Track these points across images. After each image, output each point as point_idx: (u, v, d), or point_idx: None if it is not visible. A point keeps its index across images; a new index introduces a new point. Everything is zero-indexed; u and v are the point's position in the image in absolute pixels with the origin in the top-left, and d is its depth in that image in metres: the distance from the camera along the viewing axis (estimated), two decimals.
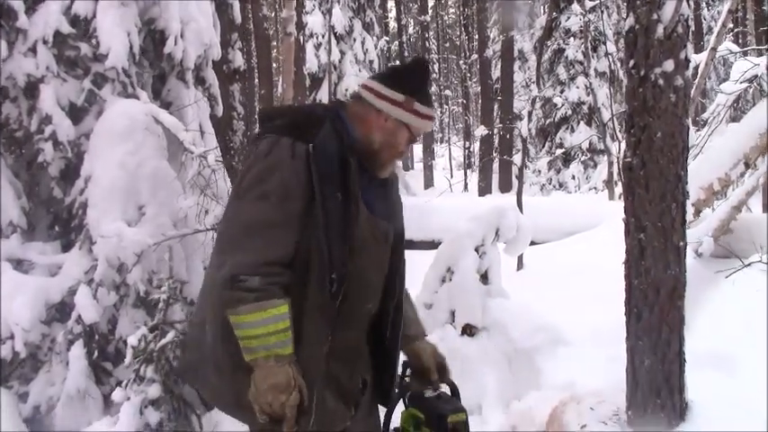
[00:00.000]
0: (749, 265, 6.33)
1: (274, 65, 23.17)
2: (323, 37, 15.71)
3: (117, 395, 2.79)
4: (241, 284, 1.85)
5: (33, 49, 3.63)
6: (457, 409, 2.95)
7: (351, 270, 1.99)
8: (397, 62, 26.58)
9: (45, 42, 3.64)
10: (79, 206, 3.59)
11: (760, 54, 8.17)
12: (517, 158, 7.90)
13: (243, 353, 1.88)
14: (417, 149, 30.15)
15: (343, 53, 16.16)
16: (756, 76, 7.74)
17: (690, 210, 7.14)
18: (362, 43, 16.62)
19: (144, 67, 4.04)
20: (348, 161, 2.00)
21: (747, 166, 7.58)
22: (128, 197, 3.44)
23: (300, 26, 15.24)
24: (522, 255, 6.63)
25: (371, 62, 16.97)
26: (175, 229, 3.46)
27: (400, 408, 2.97)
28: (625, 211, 3.09)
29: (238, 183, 1.99)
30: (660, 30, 2.96)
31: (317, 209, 1.93)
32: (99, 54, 3.71)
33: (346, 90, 15.99)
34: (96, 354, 3.32)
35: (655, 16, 2.95)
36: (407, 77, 2.16)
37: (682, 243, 3.01)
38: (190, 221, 3.50)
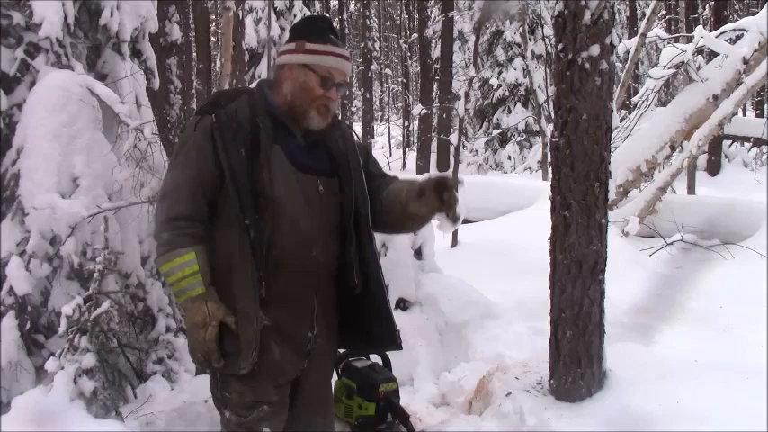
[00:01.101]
0: (671, 243, 6.64)
1: (213, 39, 22.80)
2: (262, 12, 15.54)
3: (50, 365, 2.79)
4: (157, 239, 2.18)
5: None
6: (388, 379, 3.08)
7: (276, 220, 2.17)
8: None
9: None
10: (11, 177, 3.52)
11: (689, 41, 8.43)
12: (454, 138, 8.01)
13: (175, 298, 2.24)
14: (357, 128, 30.10)
15: (282, 29, 15.97)
16: (684, 62, 8.03)
17: (616, 190, 7.41)
18: None
19: (79, 38, 3.96)
20: (257, 123, 2.20)
21: (673, 149, 7.90)
22: (61, 169, 3.39)
23: (240, 1, 15.03)
24: (456, 232, 6.77)
25: None
26: (110, 201, 3.45)
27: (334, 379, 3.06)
28: (552, 190, 3.22)
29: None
30: (587, 16, 3.09)
31: (224, 168, 2.15)
32: (32, 24, 3.62)
33: None
34: (28, 326, 3.29)
35: (582, 2, 3.07)
36: (297, 27, 2.36)
37: (603, 220, 3.16)
38: (125, 194, 3.49)
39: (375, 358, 3.30)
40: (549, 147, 11.07)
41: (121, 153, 3.64)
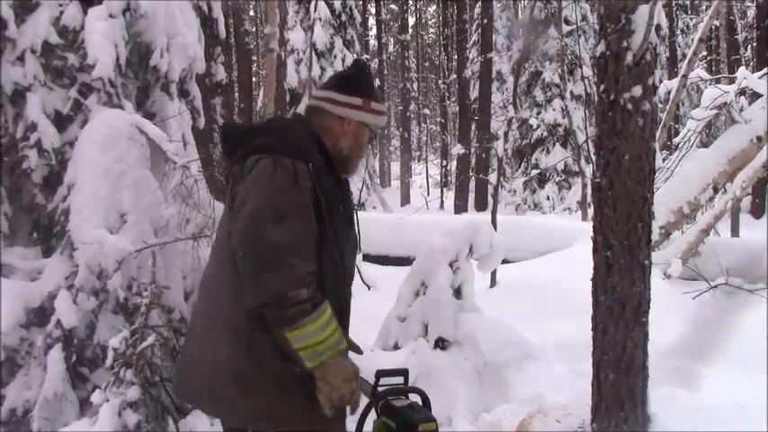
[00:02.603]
0: (715, 287, 6.51)
1: (254, 79, 23.25)
2: (304, 53, 15.84)
3: (96, 397, 2.83)
4: (293, 300, 1.92)
5: (21, 58, 3.68)
6: (427, 419, 3.04)
7: (334, 267, 2.12)
8: (377, 80, 26.81)
9: (33, 52, 3.70)
10: (61, 213, 3.63)
11: (731, 82, 8.38)
12: (493, 178, 8.02)
13: (307, 361, 1.96)
14: (395, 167, 30.26)
15: (323, 69, 16.27)
16: (726, 104, 7.96)
17: (658, 231, 7.32)
18: (343, 60, 16.74)
19: (129, 78, 4.10)
20: (339, 175, 2.17)
21: (716, 190, 7.79)
22: (110, 205, 3.49)
23: (282, 42, 15.34)
24: (495, 272, 6.74)
25: None
26: (156, 237, 3.52)
27: (372, 417, 3.06)
28: (594, 230, 3.21)
29: (242, 202, 2.04)
30: (629, 57, 3.10)
31: (325, 224, 2.04)
32: (86, 65, 3.76)
33: None
34: (74, 358, 3.36)
35: (624, 44, 3.09)
36: (357, 81, 2.32)
37: (647, 261, 3.13)
38: (171, 230, 3.57)
39: (415, 398, 3.28)
40: (590, 187, 10.99)
41: (168, 190, 3.73)
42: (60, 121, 3.83)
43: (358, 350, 2.46)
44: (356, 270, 2.42)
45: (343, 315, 2.19)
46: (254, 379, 2.05)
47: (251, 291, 1.97)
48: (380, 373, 2.54)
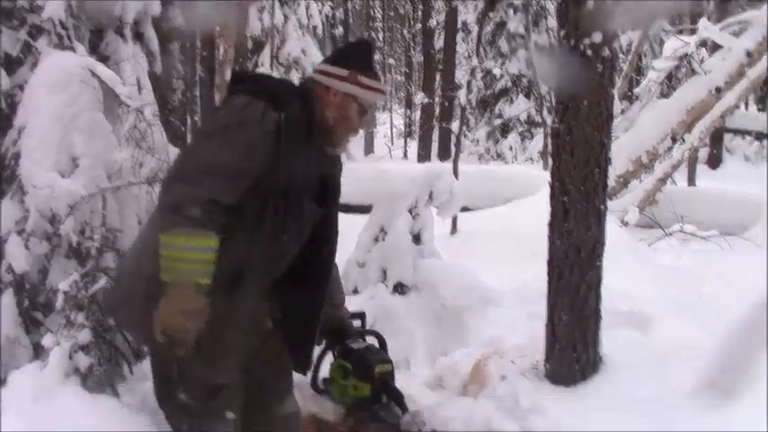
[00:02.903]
0: (670, 234, 6.67)
1: (216, 27, 22.76)
2: (266, 0, 15.51)
3: (47, 341, 2.81)
4: (182, 211, 1.99)
5: None
6: (383, 360, 3.10)
7: (292, 231, 2.24)
8: (341, 28, 26.49)
9: None
10: (12, 157, 3.54)
11: (693, 33, 8.42)
12: (455, 126, 8.01)
13: (162, 272, 2.01)
14: None
15: (286, 17, 15.95)
16: (687, 55, 8.04)
17: (617, 180, 7.42)
18: (307, 8, 16.41)
19: (81, 20, 3.98)
20: (314, 137, 2.22)
21: (674, 140, 7.91)
22: (61, 148, 3.40)
23: None
24: (456, 219, 6.78)
25: (315, 28, 16.81)
26: (109, 181, 3.46)
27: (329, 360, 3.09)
28: (551, 175, 3.23)
29: (202, 127, 2.16)
30: (590, 2, 3.08)
31: (279, 174, 2.10)
32: (35, 5, 3.66)
33: (289, 55, 15.84)
34: (27, 303, 3.32)
35: None
36: (350, 54, 2.42)
37: (602, 206, 3.17)
38: (124, 174, 3.50)
39: (372, 341, 3.32)
40: (549, 134, 11.08)
41: (121, 134, 3.66)
42: (10, 64, 3.72)
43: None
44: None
45: (280, 290, 2.31)
46: (138, 284, 2.15)
47: (160, 197, 2.08)
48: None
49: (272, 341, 2.54)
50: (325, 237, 2.49)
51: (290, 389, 2.73)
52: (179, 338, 2.03)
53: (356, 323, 3.19)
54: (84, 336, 2.79)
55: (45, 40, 3.74)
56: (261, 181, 2.12)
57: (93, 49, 4.10)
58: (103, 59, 4.04)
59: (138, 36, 4.41)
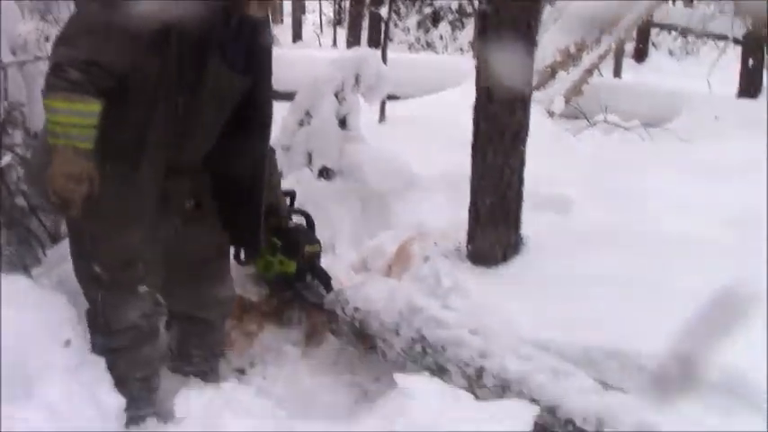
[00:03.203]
0: (594, 124, 6.78)
1: None
2: None
3: None
4: (61, 73, 1.95)
5: None
6: (312, 240, 3.09)
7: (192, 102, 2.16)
8: None
9: None
10: None
11: None
12: (385, 12, 7.81)
13: (49, 136, 2.02)
14: (287, 4, 29.03)
15: None
16: None
17: (545, 71, 7.43)
18: None
19: None
20: (212, 7, 2.13)
21: (602, 32, 7.91)
22: None
23: None
24: (384, 106, 6.71)
25: None
26: (14, 56, 3.26)
27: None
28: (477, 58, 3.19)
29: None
30: None
31: (174, 35, 2.05)
32: None
33: None
34: None
35: None
36: None
37: (527, 90, 3.16)
38: (30, 48, 3.31)
39: (301, 221, 3.32)
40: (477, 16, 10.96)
41: (24, 5, 3.43)
42: None
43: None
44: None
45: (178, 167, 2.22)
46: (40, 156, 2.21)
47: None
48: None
49: (199, 222, 2.51)
50: (258, 110, 2.43)
51: (222, 273, 2.73)
52: (66, 200, 2.02)
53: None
54: None
55: None
56: (154, 43, 2.05)
57: None
58: None
59: None
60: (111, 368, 2.38)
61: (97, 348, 2.43)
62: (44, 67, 3.33)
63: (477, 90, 3.21)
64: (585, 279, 2.89)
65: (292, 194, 3.19)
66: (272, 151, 2.70)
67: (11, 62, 3.17)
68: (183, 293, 2.60)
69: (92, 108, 1.97)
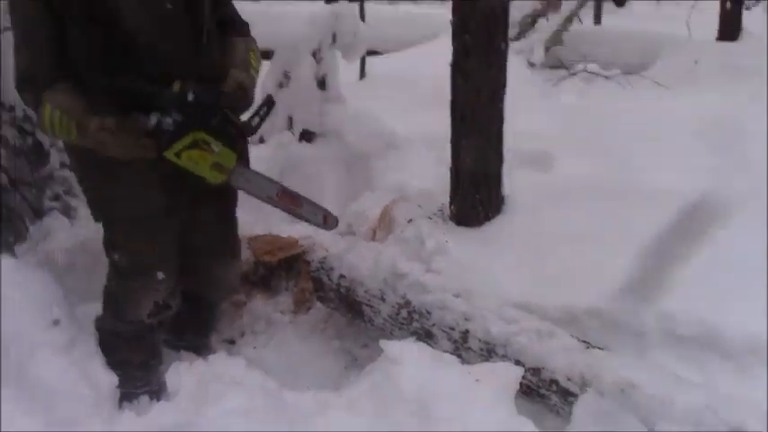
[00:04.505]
0: (575, 74, 6.73)
1: None
2: None
3: None
4: (23, 98, 2.19)
5: None
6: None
7: (123, 46, 2.06)
8: None
9: None
10: None
11: None
12: None
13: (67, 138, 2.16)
14: None
15: None
16: None
17: (522, 19, 7.36)
18: None
19: None
20: None
21: None
22: None
23: None
24: (363, 63, 6.65)
25: None
26: None
27: None
28: (452, 13, 3.14)
29: None
30: None
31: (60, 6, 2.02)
32: None
33: None
34: None
35: None
36: None
37: (503, 44, 3.12)
38: (3, 18, 3.23)
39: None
40: None
41: None
42: None
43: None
44: None
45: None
46: None
47: None
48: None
49: (211, 201, 2.42)
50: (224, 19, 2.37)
51: (234, 255, 2.66)
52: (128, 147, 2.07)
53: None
54: None
55: None
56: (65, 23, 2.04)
57: None
58: None
59: None
60: (113, 351, 2.42)
61: (104, 330, 2.46)
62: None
63: (453, 46, 3.17)
64: (567, 237, 2.91)
65: (270, 100, 2.37)
66: (254, 41, 2.53)
67: None
68: (192, 274, 2.54)
69: (47, 108, 2.05)
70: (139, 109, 2.04)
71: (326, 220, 2.60)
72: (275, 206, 2.45)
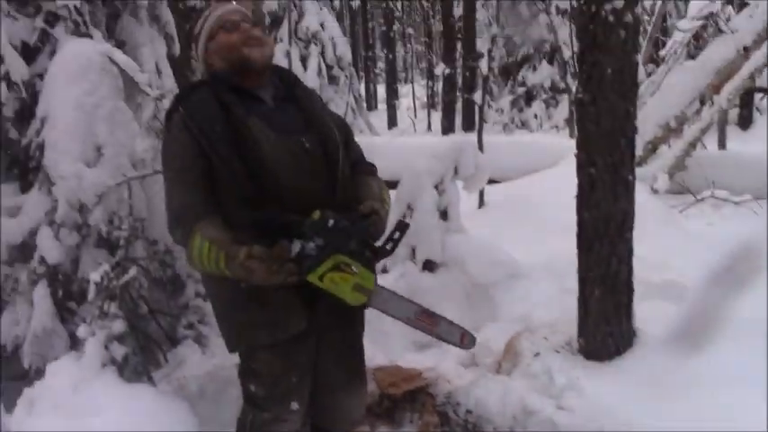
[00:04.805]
0: (702, 200, 6.56)
1: (233, 2, 22.66)
2: None
3: (82, 331, 2.83)
4: (175, 240, 2.30)
5: None
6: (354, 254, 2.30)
7: (272, 189, 2.19)
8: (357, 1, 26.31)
9: None
10: (36, 147, 3.55)
11: None
12: (478, 97, 7.91)
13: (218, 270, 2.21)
14: (381, 89, 29.84)
15: None
16: (712, 14, 7.84)
17: (645, 146, 7.30)
18: None
19: (97, 5, 3.97)
20: (224, 101, 2.25)
21: (702, 103, 7.74)
22: (85, 138, 3.40)
23: None
24: (482, 193, 6.73)
25: (332, 0, 16.71)
26: (134, 170, 3.46)
27: None
28: (577, 146, 3.17)
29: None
30: None
31: (207, 149, 2.19)
32: None
33: (307, 29, 15.76)
34: (60, 293, 3.35)
35: None
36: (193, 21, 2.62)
37: (630, 177, 3.10)
38: (149, 162, 3.50)
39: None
40: (574, 103, 10.94)
41: (143, 121, 3.65)
42: (28, 53, 3.72)
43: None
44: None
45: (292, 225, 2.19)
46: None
47: None
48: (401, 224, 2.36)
49: (339, 334, 2.47)
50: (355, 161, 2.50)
51: (361, 390, 2.64)
52: (267, 274, 2.12)
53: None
54: (118, 326, 2.81)
55: (62, 27, 3.74)
56: (213, 165, 2.20)
57: (110, 34, 4.08)
58: (120, 44, 4.03)
59: (155, 18, 4.39)
60: None
61: None
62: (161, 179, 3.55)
63: (578, 178, 3.18)
64: (708, 377, 2.74)
65: (403, 224, 2.39)
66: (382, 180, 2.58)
67: (133, 176, 3.36)
68: (318, 406, 2.54)
69: (197, 241, 2.16)
70: (282, 237, 2.13)
71: (463, 340, 2.57)
72: (413, 326, 2.45)
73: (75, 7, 3.63)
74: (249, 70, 2.34)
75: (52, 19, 3.71)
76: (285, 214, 2.16)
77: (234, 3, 2.48)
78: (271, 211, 2.18)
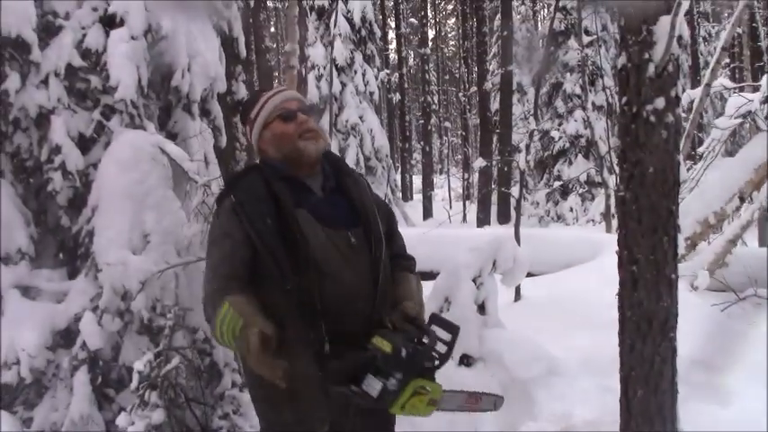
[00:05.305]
0: (744, 298, 6.42)
1: None
2: (324, 69, 15.91)
3: (122, 420, 2.84)
4: (207, 311, 2.21)
5: (45, 81, 3.72)
6: (423, 373, 2.30)
7: (318, 280, 2.18)
8: (397, 94, 26.97)
9: (57, 75, 3.74)
10: (86, 234, 3.66)
11: (755, 90, 8.27)
12: (515, 190, 7.97)
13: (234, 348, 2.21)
14: (417, 180, 30.20)
15: (344, 84, 16.34)
16: (750, 112, 7.87)
17: (684, 243, 7.23)
18: (363, 75, 16.80)
19: (151, 99, 4.14)
20: (273, 191, 2.25)
21: (742, 200, 7.69)
22: (133, 226, 3.51)
23: (303, 58, 15.41)
24: (519, 286, 6.69)
25: (372, 93, 17.17)
26: (179, 257, 3.53)
27: None
28: (618, 244, 3.16)
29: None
30: (651, 69, 3.06)
31: (254, 239, 2.18)
32: (108, 86, 3.80)
33: (347, 121, 16.15)
34: (100, 380, 3.37)
35: (646, 55, 3.04)
36: (245, 106, 2.51)
37: (673, 275, 3.08)
38: (194, 249, 3.57)
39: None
40: (613, 198, 10.94)
41: (190, 209, 3.75)
42: (84, 144, 3.87)
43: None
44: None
45: (333, 327, 2.18)
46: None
47: None
48: (434, 317, 2.38)
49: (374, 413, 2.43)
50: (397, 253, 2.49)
51: None
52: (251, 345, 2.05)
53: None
54: (158, 415, 2.82)
55: (117, 120, 3.89)
56: (260, 252, 2.20)
57: (162, 127, 4.24)
58: (172, 136, 4.19)
59: (205, 112, 4.56)
60: None
61: None
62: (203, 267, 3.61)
63: (620, 275, 3.16)
64: None
65: (455, 328, 2.39)
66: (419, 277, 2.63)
67: (178, 263, 3.43)
68: None
69: (224, 310, 2.10)
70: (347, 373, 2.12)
71: (496, 404, 2.65)
72: (460, 411, 2.51)
73: (131, 101, 3.78)
74: (302, 163, 2.37)
75: (109, 112, 3.87)
76: (352, 353, 2.14)
77: (290, 91, 2.51)
78: (338, 361, 2.14)
